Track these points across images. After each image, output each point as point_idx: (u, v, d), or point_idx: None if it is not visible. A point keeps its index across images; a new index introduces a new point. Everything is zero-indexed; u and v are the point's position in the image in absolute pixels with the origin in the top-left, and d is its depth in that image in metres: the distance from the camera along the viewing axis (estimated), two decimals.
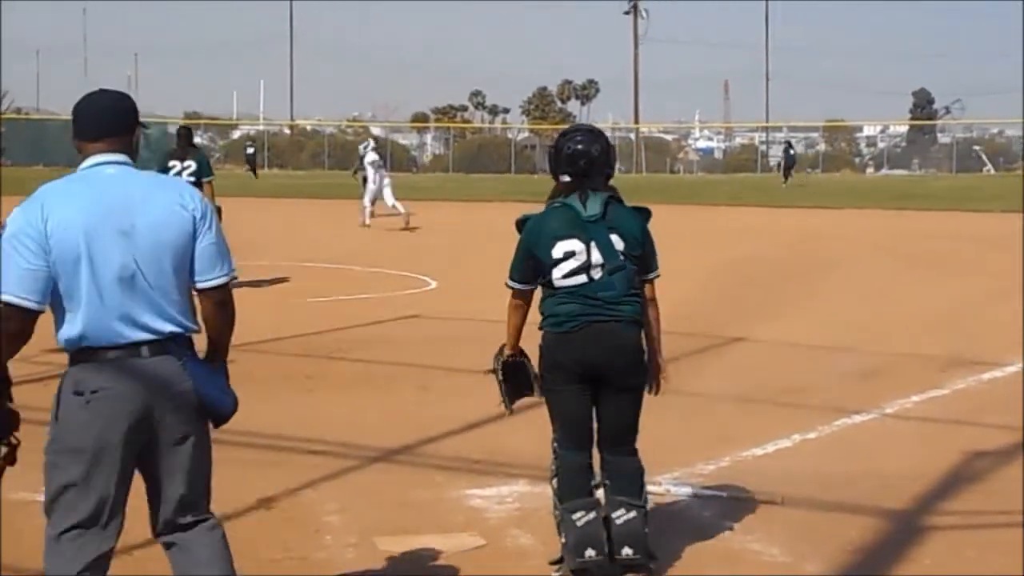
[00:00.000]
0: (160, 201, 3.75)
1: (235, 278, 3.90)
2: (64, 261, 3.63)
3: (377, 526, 5.73)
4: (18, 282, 3.60)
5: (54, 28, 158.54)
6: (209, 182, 14.58)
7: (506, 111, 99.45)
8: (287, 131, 79.95)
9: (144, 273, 3.68)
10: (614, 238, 5.00)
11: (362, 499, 6.23)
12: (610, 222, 5.02)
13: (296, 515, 5.94)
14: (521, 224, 5.15)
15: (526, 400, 5.40)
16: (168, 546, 3.90)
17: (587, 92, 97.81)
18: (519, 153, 73.56)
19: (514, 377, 5.28)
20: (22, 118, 69.99)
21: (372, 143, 29.82)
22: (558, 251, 5.00)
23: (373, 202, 26.06)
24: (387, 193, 26.12)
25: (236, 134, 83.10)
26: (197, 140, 18.35)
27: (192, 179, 14.36)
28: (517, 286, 5.13)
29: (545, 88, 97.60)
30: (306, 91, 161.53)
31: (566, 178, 5.09)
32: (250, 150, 57.82)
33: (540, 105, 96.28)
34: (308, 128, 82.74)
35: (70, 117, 3.91)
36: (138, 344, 3.69)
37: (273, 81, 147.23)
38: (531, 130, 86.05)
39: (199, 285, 3.81)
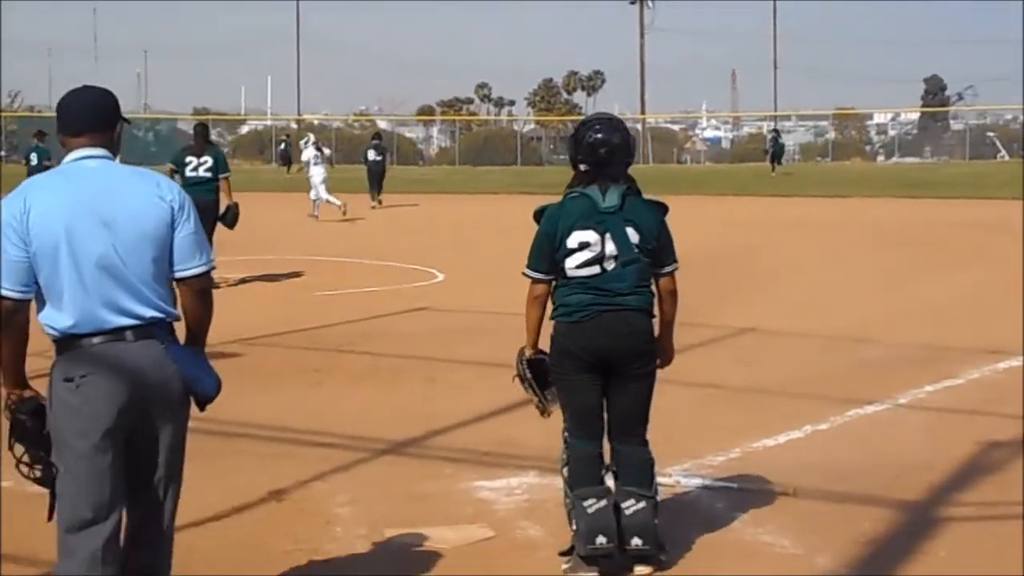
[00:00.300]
0: (139, 192, 3.87)
1: (213, 268, 4.02)
2: (44, 253, 3.74)
3: (387, 518, 5.71)
4: (6, 274, 3.72)
5: (65, 26, 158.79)
6: (226, 178, 14.61)
7: (512, 103, 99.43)
8: (294, 125, 80.00)
9: (125, 261, 3.79)
10: (630, 231, 4.99)
11: (372, 491, 6.21)
12: (627, 214, 5.00)
13: (306, 507, 5.92)
14: (539, 214, 5.14)
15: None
16: (137, 515, 3.98)
17: (593, 83, 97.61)
18: (525, 145, 73.46)
19: (543, 377, 5.23)
20: (34, 116, 70.16)
21: (312, 138, 29.89)
22: (573, 241, 4.99)
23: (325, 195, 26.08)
24: (316, 189, 26.15)
25: (244, 129, 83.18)
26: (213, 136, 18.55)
27: (209, 175, 14.40)
28: (535, 275, 5.10)
29: (551, 80, 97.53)
30: (313, 86, 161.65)
31: (586, 167, 5.06)
32: (282, 146, 57.29)
33: (546, 97, 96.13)
34: (315, 122, 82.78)
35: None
36: (122, 329, 3.80)
37: (280, 76, 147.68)
38: (537, 122, 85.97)
39: (178, 274, 3.92)
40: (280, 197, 33.85)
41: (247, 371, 9.45)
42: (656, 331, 5.16)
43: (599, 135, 5.06)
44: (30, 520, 4.84)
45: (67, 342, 3.79)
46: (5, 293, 3.73)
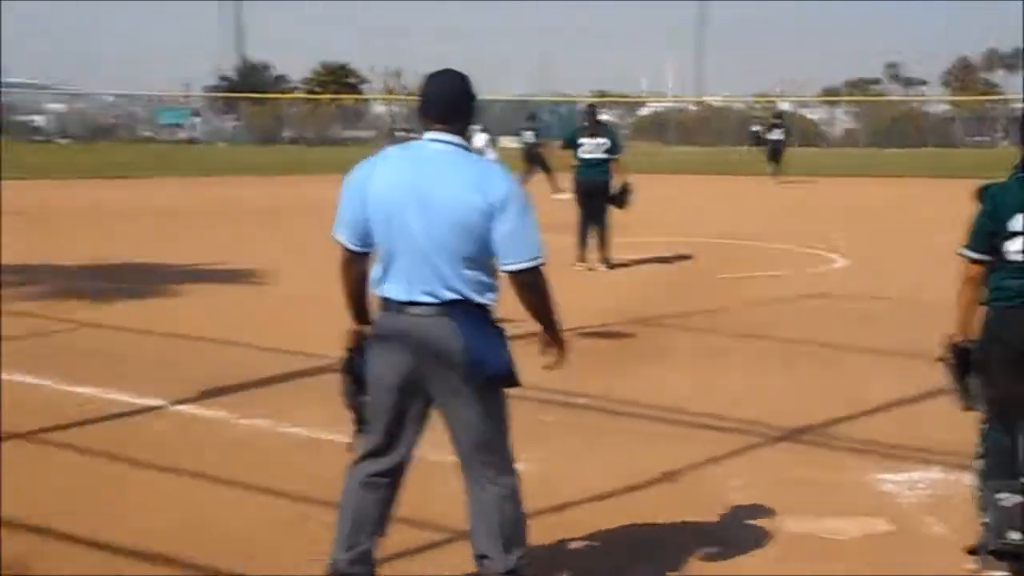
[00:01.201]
0: (462, 182, 4.04)
1: (542, 263, 4.10)
2: (375, 219, 4.09)
3: (782, 504, 5.62)
4: (345, 225, 4.17)
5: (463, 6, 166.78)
6: (617, 159, 14.88)
7: (923, 83, 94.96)
8: (693, 108, 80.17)
9: (433, 243, 4.02)
10: None
11: (766, 476, 6.14)
12: None
13: (699, 490, 5.93)
14: (981, 193, 4.86)
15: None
16: (466, 481, 4.27)
17: (1014, 61, 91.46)
18: (937, 126, 69.88)
19: (965, 366, 4.86)
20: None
21: (480, 127, 30.75)
22: (1017, 223, 4.68)
23: None
24: None
25: (644, 111, 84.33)
26: (605, 117, 19.08)
27: (605, 155, 14.75)
28: (970, 254, 4.82)
29: (966, 58, 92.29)
30: (713, 68, 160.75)
31: None
32: (755, 127, 54.38)
33: (961, 76, 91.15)
34: (714, 104, 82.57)
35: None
36: (420, 304, 4.06)
37: (681, 60, 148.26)
38: (951, 102, 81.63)
39: (503, 267, 4.09)
40: (677, 179, 34.05)
41: (641, 351, 9.60)
42: None
43: None
44: (430, 487, 5.17)
45: (382, 302, 4.16)
46: (344, 243, 4.17)
